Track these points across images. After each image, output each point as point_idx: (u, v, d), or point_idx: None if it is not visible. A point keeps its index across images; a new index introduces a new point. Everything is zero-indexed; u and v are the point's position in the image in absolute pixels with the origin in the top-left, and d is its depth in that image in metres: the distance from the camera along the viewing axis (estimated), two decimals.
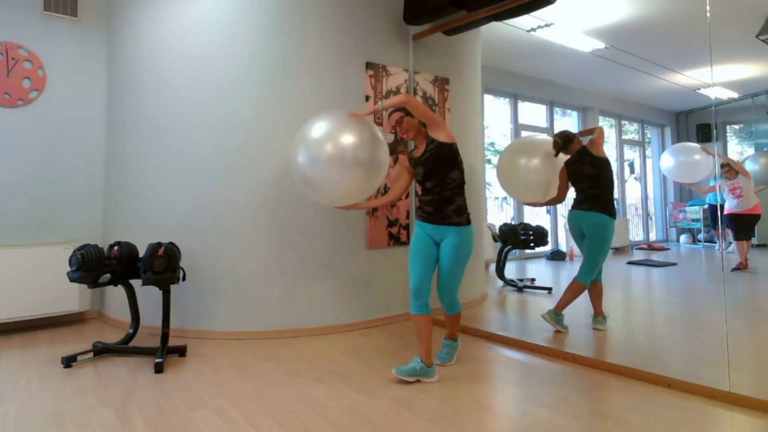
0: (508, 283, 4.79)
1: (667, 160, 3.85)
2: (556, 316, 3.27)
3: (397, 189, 2.79)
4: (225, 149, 3.37)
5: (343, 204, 2.82)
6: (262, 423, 2.02)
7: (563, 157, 3.37)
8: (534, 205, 3.59)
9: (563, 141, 3.35)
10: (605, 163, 3.22)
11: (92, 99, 3.97)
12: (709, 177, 3.97)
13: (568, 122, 4.46)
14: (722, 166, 4.08)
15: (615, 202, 3.26)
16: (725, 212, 4.22)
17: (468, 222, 2.56)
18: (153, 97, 3.54)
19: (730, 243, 4.25)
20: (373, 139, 2.72)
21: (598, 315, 3.28)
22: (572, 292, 3.25)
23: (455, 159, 2.56)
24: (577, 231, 3.30)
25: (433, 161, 2.54)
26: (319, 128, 2.73)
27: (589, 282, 3.24)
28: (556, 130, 3.46)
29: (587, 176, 3.26)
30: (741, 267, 4.24)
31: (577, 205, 3.29)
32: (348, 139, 2.66)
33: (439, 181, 2.54)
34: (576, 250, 3.39)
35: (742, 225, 4.15)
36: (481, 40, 4.56)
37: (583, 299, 3.34)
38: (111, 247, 2.88)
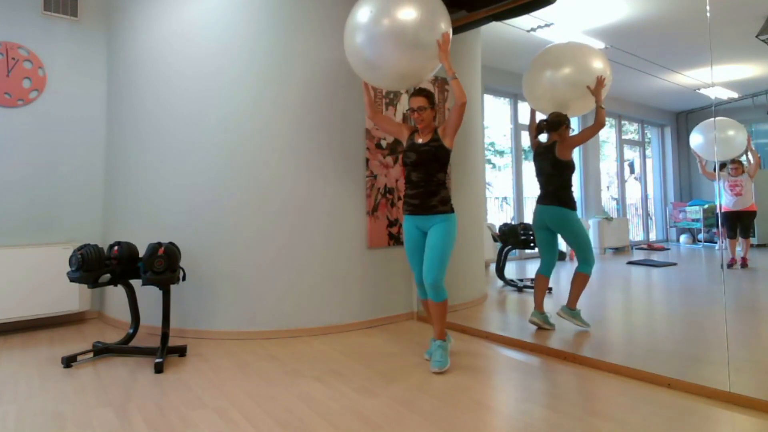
0: (508, 283, 4.80)
1: (697, 137, 3.82)
2: (571, 311, 3.29)
3: (383, 116, 2.98)
4: (225, 149, 3.37)
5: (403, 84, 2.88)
6: (262, 423, 2.02)
7: (582, 79, 3.23)
8: (532, 113, 3.58)
9: (548, 126, 3.36)
10: (566, 166, 3.25)
11: (92, 99, 3.98)
12: (737, 154, 3.93)
13: None
14: (732, 161, 4.09)
15: (572, 195, 3.29)
16: (723, 210, 4.22)
17: (452, 210, 2.68)
18: (153, 97, 3.54)
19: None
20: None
21: (538, 308, 3.31)
22: (578, 284, 3.29)
23: (446, 164, 2.72)
24: (540, 224, 3.37)
25: (429, 157, 2.66)
26: (374, 7, 2.67)
27: (591, 270, 3.27)
28: None
29: (545, 173, 3.32)
30: (733, 263, 4.25)
31: (540, 200, 3.38)
32: (410, 14, 2.61)
33: (425, 176, 2.68)
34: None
35: (742, 223, 4.16)
36: (481, 40, 4.56)
37: (583, 297, 3.35)
38: (111, 247, 2.88)
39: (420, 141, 2.72)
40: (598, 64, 3.23)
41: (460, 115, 2.61)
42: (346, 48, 2.87)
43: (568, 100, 3.30)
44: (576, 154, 3.36)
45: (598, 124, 3.13)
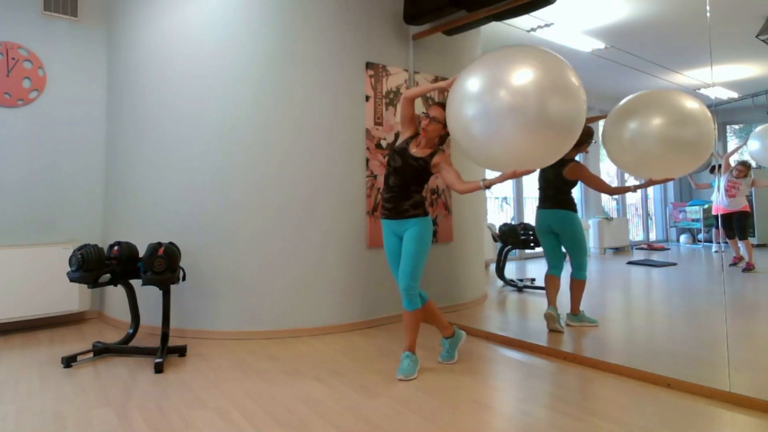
0: (508, 283, 4.79)
1: (754, 144, 3.72)
2: (575, 317, 3.36)
3: (412, 104, 2.73)
4: (225, 149, 3.37)
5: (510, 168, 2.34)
6: (262, 423, 2.02)
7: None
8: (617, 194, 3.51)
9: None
10: (568, 182, 3.31)
11: (92, 99, 3.97)
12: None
13: None
14: (739, 163, 4.09)
15: (573, 199, 3.34)
16: (719, 211, 4.22)
17: (425, 214, 2.65)
18: (153, 97, 3.54)
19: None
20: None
21: (552, 304, 3.31)
22: (577, 291, 3.34)
23: (425, 182, 2.69)
24: (544, 228, 3.40)
25: (413, 170, 2.62)
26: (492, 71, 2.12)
27: (586, 275, 3.32)
28: None
29: (548, 180, 3.37)
30: (737, 261, 4.25)
31: (541, 204, 3.42)
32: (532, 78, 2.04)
33: (403, 183, 2.65)
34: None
35: (737, 224, 4.16)
36: (481, 40, 4.56)
37: (571, 296, 3.36)
38: (111, 247, 2.88)
39: (413, 150, 2.63)
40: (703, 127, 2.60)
41: (451, 185, 2.54)
42: (449, 116, 2.42)
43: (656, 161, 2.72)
44: (576, 155, 3.36)
45: (612, 191, 3.30)
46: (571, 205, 3.31)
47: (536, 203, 3.48)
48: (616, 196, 5.52)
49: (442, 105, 2.61)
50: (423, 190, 2.70)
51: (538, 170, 3.44)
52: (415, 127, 2.75)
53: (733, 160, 4.15)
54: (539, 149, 2.13)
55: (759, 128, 3.64)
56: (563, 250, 3.39)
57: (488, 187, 2.44)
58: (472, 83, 2.23)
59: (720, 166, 4.11)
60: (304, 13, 3.48)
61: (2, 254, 3.38)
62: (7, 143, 3.63)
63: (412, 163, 2.61)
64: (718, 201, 4.18)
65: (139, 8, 3.66)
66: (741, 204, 4.09)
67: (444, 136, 2.68)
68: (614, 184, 5.59)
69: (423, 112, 2.65)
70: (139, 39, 3.65)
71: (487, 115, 2.13)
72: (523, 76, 2.08)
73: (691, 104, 2.62)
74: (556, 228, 3.33)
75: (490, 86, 2.14)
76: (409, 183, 2.64)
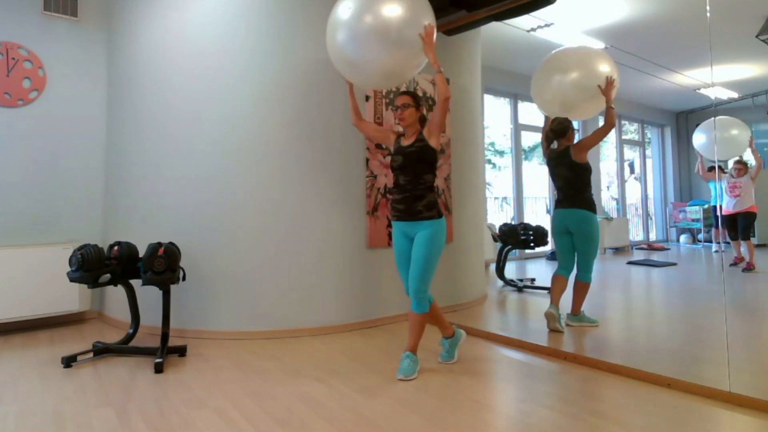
0: (508, 283, 4.80)
1: (700, 137, 3.79)
2: (576, 317, 3.36)
3: (367, 123, 2.93)
4: (225, 148, 3.37)
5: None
6: (262, 423, 2.02)
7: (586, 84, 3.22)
8: (546, 121, 3.55)
9: (554, 134, 3.42)
10: (584, 168, 3.29)
11: (92, 99, 3.98)
12: (739, 154, 3.95)
13: None
14: (736, 162, 4.10)
15: (593, 198, 3.32)
16: (723, 212, 4.23)
17: (440, 215, 2.60)
18: (153, 97, 3.54)
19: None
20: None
21: (554, 303, 3.31)
22: (580, 293, 3.33)
23: (434, 164, 2.64)
24: (561, 228, 3.37)
25: (414, 158, 2.60)
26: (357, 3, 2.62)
27: (591, 277, 3.31)
28: None
29: (563, 177, 3.34)
30: (738, 262, 4.25)
31: (559, 204, 3.39)
32: (394, 11, 2.55)
33: (413, 178, 2.61)
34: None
35: (741, 225, 4.16)
36: (481, 40, 4.56)
37: (570, 297, 3.36)
38: (111, 247, 2.88)
39: (405, 143, 2.67)
40: (605, 67, 3.23)
41: (443, 111, 2.56)
42: (328, 46, 2.82)
43: (578, 104, 3.28)
44: (570, 142, 3.38)
45: (609, 125, 3.16)
46: (591, 205, 3.28)
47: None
48: (616, 195, 5.52)
49: (406, 93, 2.70)
50: (433, 182, 2.65)
51: (551, 174, 3.44)
52: (393, 130, 2.85)
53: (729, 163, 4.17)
54: (399, 62, 2.64)
55: (704, 122, 3.77)
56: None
57: (438, 67, 2.56)
58: (342, 11, 2.68)
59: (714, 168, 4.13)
60: (304, 13, 3.48)
61: (2, 254, 3.38)
62: (7, 143, 3.63)
63: (411, 150, 2.61)
64: (725, 203, 4.19)
65: (139, 8, 3.66)
66: (748, 203, 4.10)
67: (422, 118, 2.73)
68: (614, 183, 5.59)
69: (391, 107, 2.68)
70: (139, 39, 3.65)
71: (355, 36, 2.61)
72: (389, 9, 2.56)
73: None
74: (572, 227, 3.29)
75: (358, 13, 2.59)
76: (421, 174, 2.60)
